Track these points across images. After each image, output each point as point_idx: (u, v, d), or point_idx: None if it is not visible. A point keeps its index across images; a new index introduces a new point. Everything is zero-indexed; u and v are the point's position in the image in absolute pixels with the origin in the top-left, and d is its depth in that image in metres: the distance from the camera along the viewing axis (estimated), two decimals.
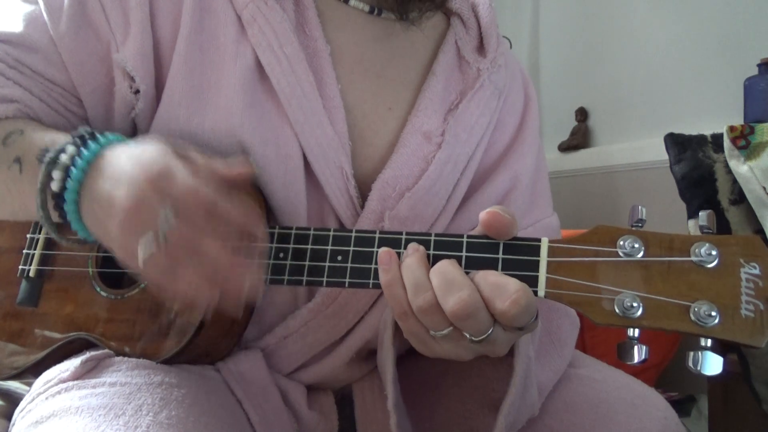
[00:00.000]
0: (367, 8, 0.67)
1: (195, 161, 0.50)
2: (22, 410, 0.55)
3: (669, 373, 1.54)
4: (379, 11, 0.67)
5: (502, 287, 0.43)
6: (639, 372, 1.39)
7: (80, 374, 0.54)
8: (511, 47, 2.23)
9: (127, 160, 0.49)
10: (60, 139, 0.54)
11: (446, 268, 0.45)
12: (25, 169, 0.55)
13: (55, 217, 0.52)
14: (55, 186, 0.50)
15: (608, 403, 0.60)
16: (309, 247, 0.52)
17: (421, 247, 0.48)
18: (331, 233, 0.51)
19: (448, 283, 0.44)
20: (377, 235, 0.50)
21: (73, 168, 0.50)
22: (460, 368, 0.64)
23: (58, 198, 0.51)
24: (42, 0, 0.61)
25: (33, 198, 0.52)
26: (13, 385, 0.78)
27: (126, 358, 0.56)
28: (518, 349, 0.51)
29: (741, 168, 1.17)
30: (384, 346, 0.55)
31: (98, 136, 0.52)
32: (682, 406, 1.46)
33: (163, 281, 0.47)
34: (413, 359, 0.64)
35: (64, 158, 0.50)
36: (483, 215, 0.47)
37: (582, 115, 2.02)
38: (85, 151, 0.51)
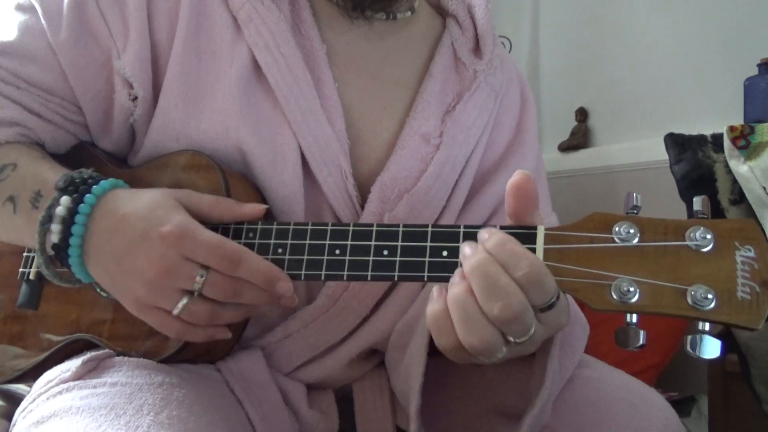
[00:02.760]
0: (350, 5, 0.65)
1: (201, 207, 0.53)
2: (23, 410, 0.55)
3: (669, 373, 1.54)
4: (362, 9, 0.66)
5: (517, 255, 0.42)
6: (639, 372, 1.39)
7: (81, 374, 0.54)
8: (511, 47, 2.23)
9: (138, 221, 0.51)
10: (51, 179, 0.55)
11: (489, 268, 0.42)
12: (18, 210, 0.57)
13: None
14: (54, 238, 0.52)
15: (608, 403, 0.60)
16: (307, 242, 0.52)
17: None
18: (329, 228, 0.52)
19: (489, 287, 0.41)
20: (374, 228, 0.50)
21: (73, 224, 0.52)
22: (462, 371, 0.64)
23: (59, 250, 0.52)
24: (40, 8, 0.61)
25: (28, 235, 0.55)
26: (14, 385, 0.77)
27: (127, 359, 0.56)
28: (549, 365, 0.51)
29: (741, 168, 1.17)
30: (413, 355, 0.55)
31: (92, 185, 0.53)
32: (682, 406, 1.46)
33: (191, 331, 0.52)
34: None
35: (60, 211, 0.52)
36: (513, 177, 0.45)
37: (582, 115, 2.02)
38: (83, 205, 0.52)
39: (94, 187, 0.53)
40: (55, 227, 0.52)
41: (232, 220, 0.55)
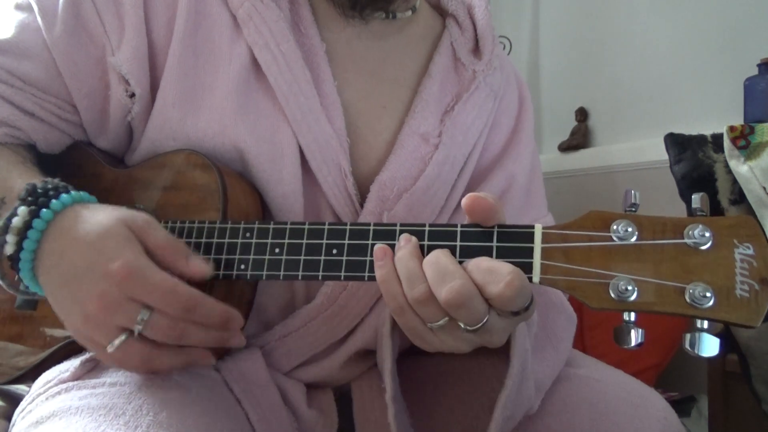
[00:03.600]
0: (348, 4, 0.66)
1: (148, 245, 0.50)
2: (22, 410, 0.55)
3: (669, 373, 1.54)
4: (362, 8, 0.66)
5: (495, 271, 0.43)
6: (639, 372, 1.39)
7: (80, 374, 0.54)
8: (511, 47, 2.23)
9: (86, 249, 0.48)
10: (18, 187, 0.53)
11: (438, 258, 0.45)
12: None
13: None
14: (9, 249, 0.50)
15: (608, 403, 0.60)
16: (304, 241, 0.52)
17: (413, 238, 0.48)
18: (326, 227, 0.51)
19: (440, 273, 0.44)
20: (372, 228, 0.50)
21: (26, 238, 0.50)
22: (460, 367, 0.64)
23: (14, 261, 0.51)
24: (36, 5, 0.61)
25: None
26: (14, 385, 0.77)
27: None
28: (515, 341, 0.51)
29: (741, 168, 1.17)
30: (383, 340, 0.55)
31: (52, 199, 0.51)
32: (682, 406, 1.46)
33: (133, 365, 0.50)
34: (414, 358, 0.64)
35: (16, 222, 0.50)
36: (464, 201, 0.46)
37: (582, 115, 2.02)
38: (37, 220, 0.50)
39: (53, 201, 0.51)
40: (11, 238, 0.50)
41: (173, 271, 0.50)
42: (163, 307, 0.47)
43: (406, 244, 0.47)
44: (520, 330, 0.52)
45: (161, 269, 0.49)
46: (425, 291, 0.44)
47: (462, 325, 0.44)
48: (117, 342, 0.47)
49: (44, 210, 0.50)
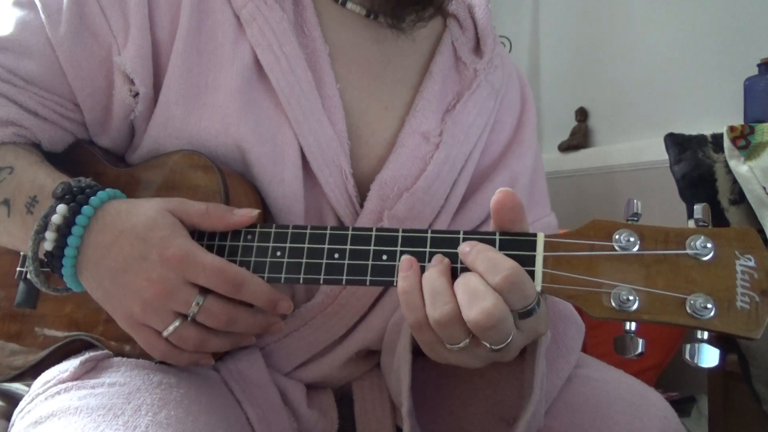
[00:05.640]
0: (363, 12, 0.68)
1: (192, 218, 0.53)
2: (21, 410, 0.55)
3: (669, 373, 1.54)
4: (375, 15, 0.67)
5: (495, 264, 0.43)
6: (639, 372, 1.39)
7: (79, 374, 0.54)
8: (511, 47, 2.23)
9: (136, 239, 0.51)
10: (48, 186, 0.55)
11: (469, 279, 0.44)
12: (13, 214, 0.57)
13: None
14: (48, 246, 0.52)
15: (608, 403, 0.60)
16: (306, 245, 0.52)
17: (446, 260, 0.47)
18: (328, 231, 0.52)
19: (471, 293, 0.43)
20: (374, 233, 0.50)
21: (69, 234, 0.52)
22: (462, 370, 0.64)
23: (53, 258, 0.52)
24: (40, 3, 0.61)
25: (20, 240, 0.55)
26: (13, 385, 0.77)
27: (125, 359, 0.56)
28: (537, 368, 0.51)
29: (741, 168, 1.17)
30: (399, 354, 0.55)
31: (90, 195, 0.53)
32: (682, 406, 1.46)
33: (186, 348, 0.52)
34: (415, 361, 0.64)
35: (56, 219, 0.52)
36: (495, 197, 0.46)
37: (582, 115, 2.02)
38: (80, 216, 0.52)
39: (92, 198, 0.53)
40: (50, 235, 0.51)
41: (224, 229, 0.54)
42: (215, 285, 0.50)
43: (437, 263, 0.46)
44: (542, 355, 0.52)
45: (212, 231, 0.54)
46: (449, 312, 0.43)
47: (487, 345, 0.44)
48: (172, 327, 0.50)
49: (86, 207, 0.52)
